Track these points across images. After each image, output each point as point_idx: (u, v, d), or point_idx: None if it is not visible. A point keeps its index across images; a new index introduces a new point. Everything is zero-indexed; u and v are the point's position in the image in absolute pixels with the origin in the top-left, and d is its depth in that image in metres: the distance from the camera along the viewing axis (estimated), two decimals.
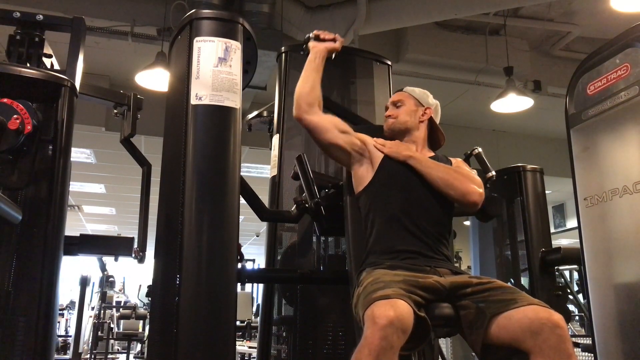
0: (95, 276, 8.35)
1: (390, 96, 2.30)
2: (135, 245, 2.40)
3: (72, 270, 7.05)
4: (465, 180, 1.88)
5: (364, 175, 1.96)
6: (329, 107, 2.37)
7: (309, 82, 1.97)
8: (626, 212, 1.78)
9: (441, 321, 1.61)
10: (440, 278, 1.66)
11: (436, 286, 1.62)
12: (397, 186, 1.89)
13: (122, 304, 8.93)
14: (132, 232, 2.54)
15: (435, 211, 1.88)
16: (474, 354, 1.61)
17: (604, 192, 1.86)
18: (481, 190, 1.88)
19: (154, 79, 4.72)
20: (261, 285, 2.88)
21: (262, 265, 2.77)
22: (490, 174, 2.49)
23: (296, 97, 1.96)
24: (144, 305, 9.36)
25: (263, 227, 4.39)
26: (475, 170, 2.04)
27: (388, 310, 1.38)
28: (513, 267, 3.18)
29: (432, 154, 2.04)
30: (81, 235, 2.24)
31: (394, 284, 1.54)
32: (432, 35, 5.46)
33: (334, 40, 2.07)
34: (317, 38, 2.07)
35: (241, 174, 1.88)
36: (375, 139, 2.01)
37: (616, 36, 1.88)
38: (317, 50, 2.04)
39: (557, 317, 1.47)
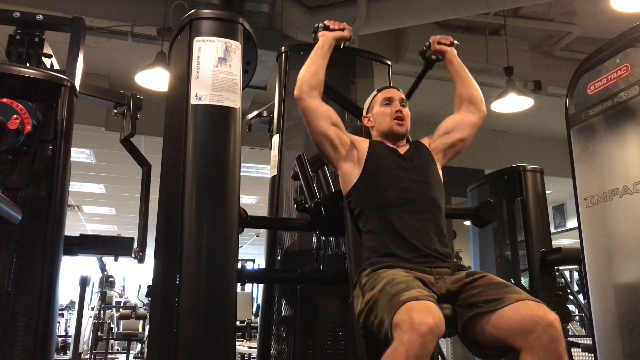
0: (95, 276, 8.35)
1: None
2: (135, 245, 2.40)
3: (72, 270, 7.06)
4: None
5: (350, 172, 1.95)
6: (332, 97, 2.39)
7: (314, 66, 2.00)
8: (626, 212, 1.78)
9: None
10: (440, 279, 1.67)
11: (436, 287, 1.63)
12: (387, 179, 1.89)
13: (121, 304, 8.94)
14: (132, 232, 2.53)
15: (428, 200, 1.87)
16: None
17: (604, 192, 1.86)
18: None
19: (154, 79, 4.72)
20: (261, 285, 2.87)
21: (262, 265, 2.77)
22: None
23: (299, 77, 1.99)
24: (144, 305, 9.36)
25: None
26: None
27: (427, 317, 1.36)
28: (513, 267, 3.17)
29: (407, 146, 2.04)
30: (81, 235, 2.23)
31: (413, 283, 1.54)
32: (432, 35, 5.44)
33: (343, 29, 2.10)
34: (327, 28, 2.10)
35: (241, 174, 1.88)
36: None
37: (616, 36, 1.88)
38: (325, 38, 2.07)
39: (553, 316, 1.43)
